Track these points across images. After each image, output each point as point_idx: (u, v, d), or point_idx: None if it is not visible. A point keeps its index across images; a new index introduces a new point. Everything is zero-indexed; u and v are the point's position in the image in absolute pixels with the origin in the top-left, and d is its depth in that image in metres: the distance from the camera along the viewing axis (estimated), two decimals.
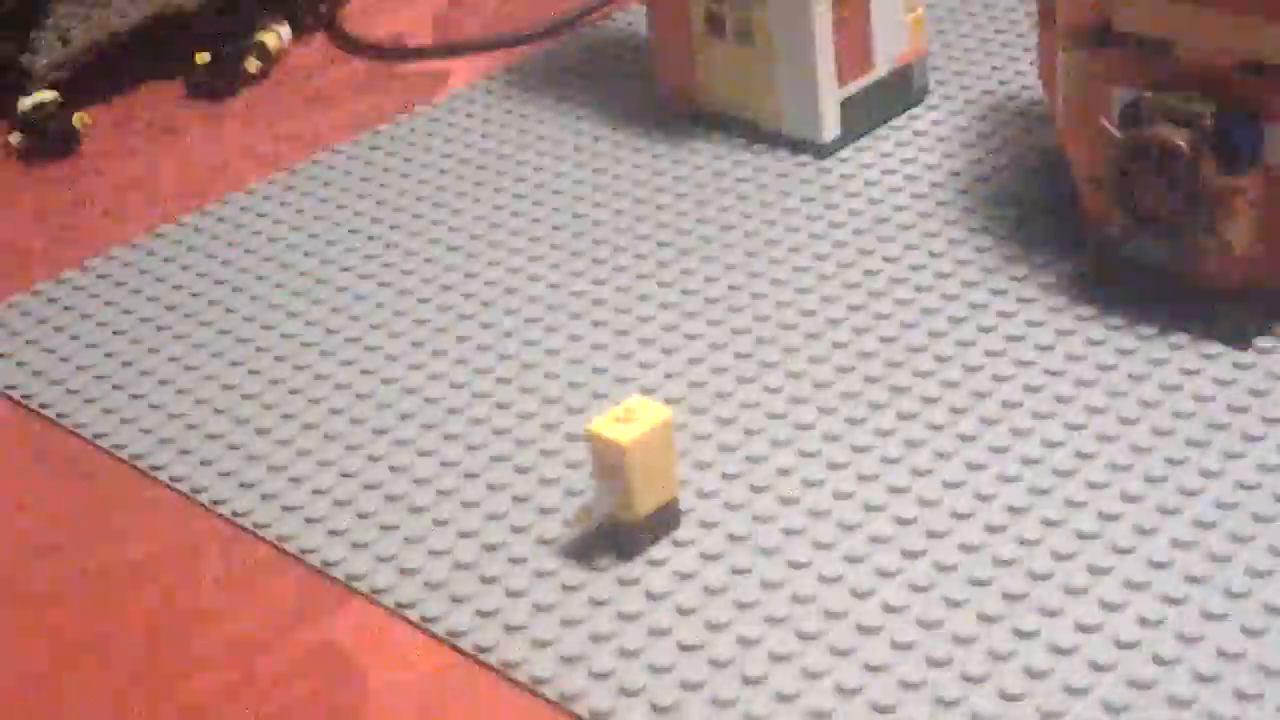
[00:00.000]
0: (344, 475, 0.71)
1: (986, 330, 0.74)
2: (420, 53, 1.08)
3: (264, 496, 0.71)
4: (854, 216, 0.84)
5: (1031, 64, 0.96)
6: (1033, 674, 0.57)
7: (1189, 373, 0.70)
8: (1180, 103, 0.70)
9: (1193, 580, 0.60)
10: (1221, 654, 0.57)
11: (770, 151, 0.91)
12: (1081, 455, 0.66)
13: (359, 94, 1.05)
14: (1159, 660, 0.57)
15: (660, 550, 0.65)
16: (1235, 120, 0.69)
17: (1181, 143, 0.69)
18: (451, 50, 1.08)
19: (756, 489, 0.68)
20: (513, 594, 0.64)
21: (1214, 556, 0.61)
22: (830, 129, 0.89)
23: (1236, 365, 0.70)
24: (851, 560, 0.63)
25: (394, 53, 1.09)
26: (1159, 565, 0.61)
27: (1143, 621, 0.59)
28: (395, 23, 1.14)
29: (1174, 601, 0.59)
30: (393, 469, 0.71)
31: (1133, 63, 0.72)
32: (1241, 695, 0.56)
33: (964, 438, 0.68)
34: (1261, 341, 0.71)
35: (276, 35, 1.10)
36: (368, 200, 0.92)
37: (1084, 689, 0.57)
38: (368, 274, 0.86)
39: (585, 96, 1.00)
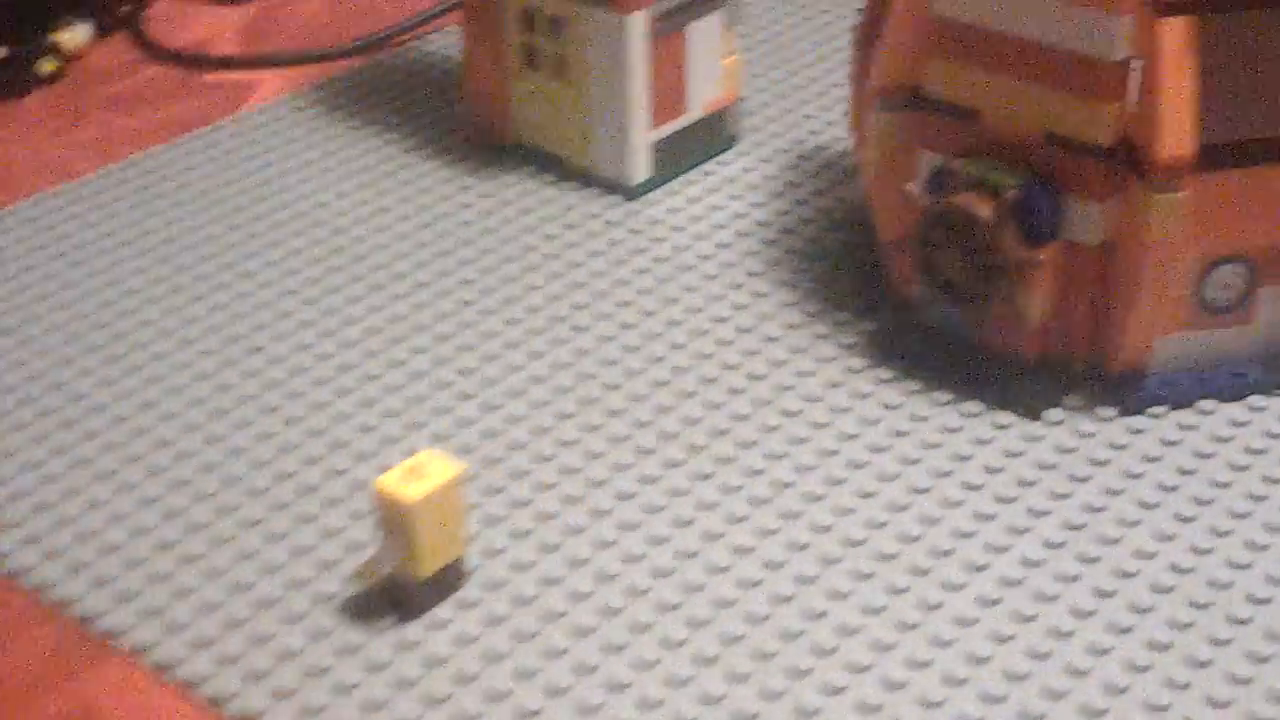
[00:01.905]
0: (114, 518, 0.68)
1: (785, 389, 0.74)
2: (225, 62, 1.05)
3: (26, 540, 0.67)
4: (659, 264, 0.83)
5: (844, 114, 0.96)
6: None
7: (981, 442, 0.70)
8: (985, 172, 0.70)
9: (975, 661, 0.60)
10: None
11: (580, 190, 0.89)
12: (871, 525, 0.66)
13: (159, 102, 1.02)
14: None
15: (444, 611, 0.63)
16: (1038, 193, 0.69)
17: (984, 213, 0.69)
18: (258, 61, 1.05)
19: (547, 548, 0.66)
20: (286, 656, 0.62)
21: (995, 636, 0.61)
22: (640, 171, 0.88)
23: (1026, 437, 0.70)
24: (636, 630, 0.62)
25: (198, 60, 1.05)
26: (943, 644, 0.61)
27: (925, 703, 0.59)
28: (201, 28, 1.10)
29: (956, 683, 0.59)
30: (167, 514, 0.68)
31: (941, 128, 0.72)
32: None
33: (756, 501, 0.68)
34: (1052, 414, 0.71)
35: (75, 35, 1.05)
36: (157, 218, 0.89)
37: None
38: (152, 297, 0.82)
39: (395, 119, 0.97)
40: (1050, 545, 0.64)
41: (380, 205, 0.89)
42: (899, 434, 0.71)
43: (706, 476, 0.69)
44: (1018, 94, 0.70)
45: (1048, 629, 0.61)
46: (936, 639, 0.61)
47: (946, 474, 0.68)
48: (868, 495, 0.68)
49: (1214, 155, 0.68)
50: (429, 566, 0.62)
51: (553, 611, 0.63)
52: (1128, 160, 0.68)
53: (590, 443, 0.71)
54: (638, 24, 0.85)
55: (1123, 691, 0.58)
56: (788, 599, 0.63)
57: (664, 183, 0.90)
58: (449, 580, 0.64)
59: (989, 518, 0.66)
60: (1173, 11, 0.66)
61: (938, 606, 0.62)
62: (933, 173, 0.72)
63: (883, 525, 0.66)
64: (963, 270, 0.71)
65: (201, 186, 0.92)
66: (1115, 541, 0.64)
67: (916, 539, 0.65)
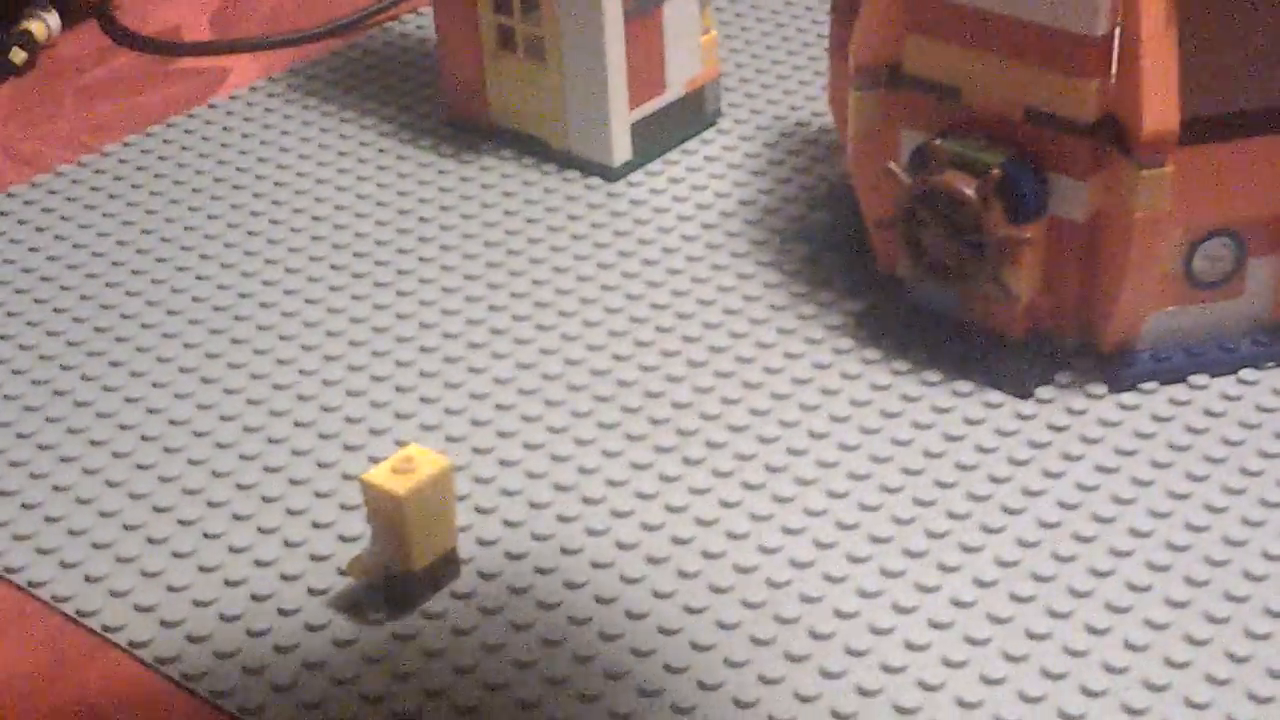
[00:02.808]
0: (103, 515, 0.68)
1: (773, 372, 0.74)
2: (197, 47, 1.04)
3: (16, 537, 0.67)
4: (643, 246, 0.83)
5: (824, 88, 0.95)
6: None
7: (972, 422, 0.70)
8: (969, 150, 0.70)
9: (973, 643, 0.60)
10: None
11: (560, 172, 0.89)
12: (865, 508, 0.66)
13: (131, 90, 1.01)
14: None
15: (438, 602, 0.63)
16: (1022, 170, 0.69)
17: (969, 192, 0.69)
18: (231, 46, 1.04)
19: (539, 537, 0.66)
20: (281, 649, 0.61)
21: (992, 618, 0.61)
22: (621, 152, 0.88)
23: (1019, 415, 0.70)
24: (633, 617, 0.62)
25: (169, 46, 1.04)
26: (941, 627, 0.61)
27: (924, 686, 0.59)
28: (172, 14, 1.09)
29: (955, 665, 0.59)
30: (156, 509, 0.68)
31: (921, 106, 0.72)
32: None
33: (749, 487, 0.67)
34: (1043, 391, 0.71)
35: (44, 24, 1.04)
36: (137, 210, 0.88)
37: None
38: (134, 290, 0.81)
39: (371, 103, 0.97)
40: (1045, 525, 0.64)
41: (360, 192, 0.88)
42: (889, 415, 0.71)
43: (697, 462, 0.69)
44: (998, 71, 0.69)
45: (1045, 609, 0.61)
46: (934, 622, 0.61)
47: (939, 455, 0.68)
48: (860, 478, 0.67)
49: (1198, 129, 0.67)
50: (421, 559, 0.62)
51: (548, 602, 0.63)
52: (1112, 136, 0.68)
53: (579, 430, 0.71)
54: (613, 3, 0.84)
55: (1122, 671, 0.58)
56: (784, 584, 0.63)
57: (646, 163, 0.89)
58: (442, 572, 0.63)
59: (983, 499, 0.66)
60: None
61: (935, 589, 0.62)
62: (915, 151, 0.72)
63: (876, 509, 0.66)
64: (949, 249, 0.71)
65: (179, 176, 0.91)
66: (1110, 520, 0.64)
67: (910, 521, 0.65)
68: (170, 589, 0.64)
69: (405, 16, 1.06)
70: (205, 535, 0.67)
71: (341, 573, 0.64)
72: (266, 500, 0.68)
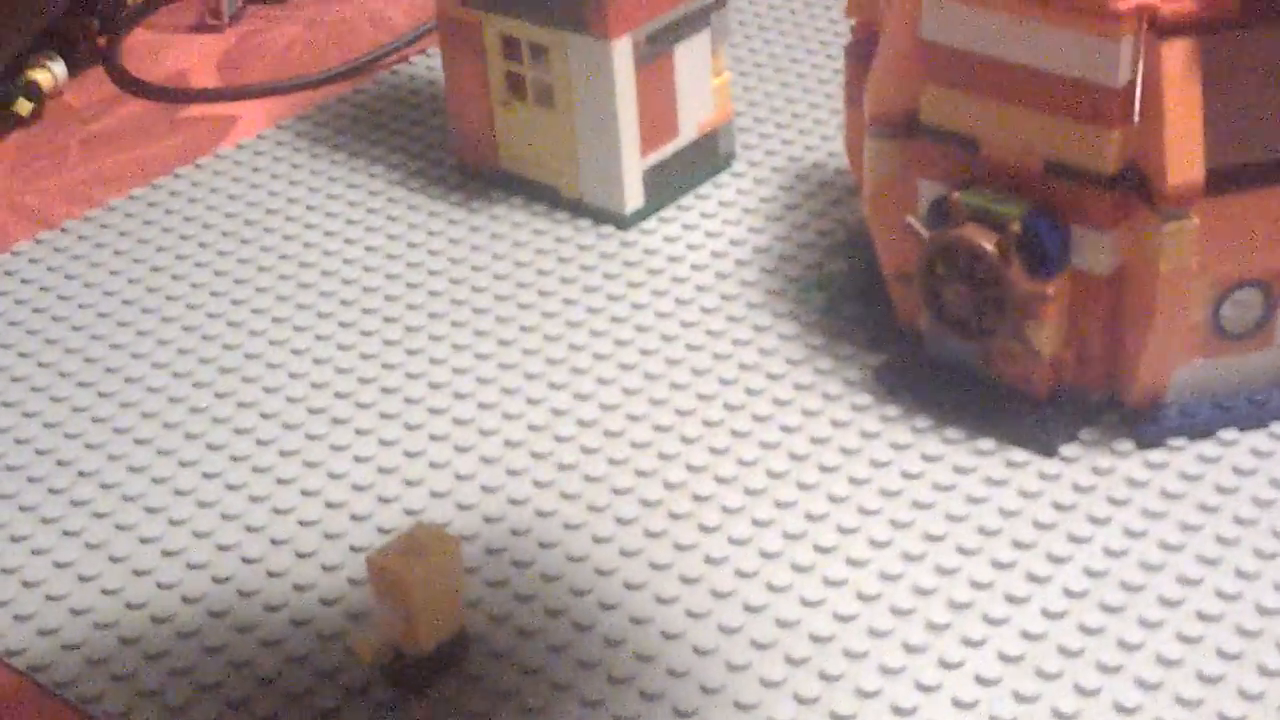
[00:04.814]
0: (105, 592, 0.66)
1: (790, 431, 0.72)
2: (205, 94, 1.03)
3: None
4: (657, 297, 0.81)
5: (839, 128, 0.94)
6: None
7: (995, 483, 0.68)
8: (988, 203, 0.68)
9: None
10: None
11: (572, 221, 0.87)
12: (886, 577, 0.64)
13: (138, 139, 0.99)
14: None
15: (448, 685, 0.61)
16: (1043, 223, 0.67)
17: (988, 246, 0.67)
18: (238, 93, 1.02)
19: (551, 613, 0.64)
20: None
21: (1019, 697, 0.59)
22: (633, 200, 0.86)
23: (1042, 476, 0.68)
24: (648, 697, 0.60)
25: (176, 94, 1.03)
26: (965, 706, 0.59)
27: None
28: (179, 59, 1.08)
29: None
30: (160, 586, 0.66)
31: (939, 157, 0.70)
32: None
33: (767, 555, 0.66)
34: (1068, 449, 0.69)
35: (50, 72, 1.03)
36: (142, 266, 0.87)
37: None
38: (139, 353, 0.80)
39: (380, 150, 0.95)
40: (1071, 594, 0.62)
41: (368, 244, 0.87)
42: (910, 476, 0.69)
43: (712, 529, 0.67)
44: (1017, 122, 0.67)
45: (1073, 686, 0.59)
46: (958, 701, 0.59)
47: (961, 519, 0.66)
48: (880, 545, 0.66)
49: (1222, 179, 0.65)
50: (429, 642, 0.60)
51: (560, 682, 0.61)
52: (1134, 187, 0.66)
53: (592, 495, 0.69)
54: (624, 50, 0.82)
55: None
56: (803, 661, 0.61)
57: (658, 209, 0.87)
58: (451, 652, 0.62)
59: (1007, 566, 0.64)
60: (1175, 33, 0.64)
61: (958, 665, 0.60)
62: (933, 204, 0.70)
63: (897, 577, 0.64)
64: (969, 304, 0.69)
65: (185, 230, 0.89)
66: (1139, 589, 0.62)
67: (933, 591, 0.63)
68: (173, 672, 0.63)
69: (414, 59, 1.04)
70: (210, 613, 0.65)
71: (348, 653, 0.63)
72: (271, 575, 0.67)
